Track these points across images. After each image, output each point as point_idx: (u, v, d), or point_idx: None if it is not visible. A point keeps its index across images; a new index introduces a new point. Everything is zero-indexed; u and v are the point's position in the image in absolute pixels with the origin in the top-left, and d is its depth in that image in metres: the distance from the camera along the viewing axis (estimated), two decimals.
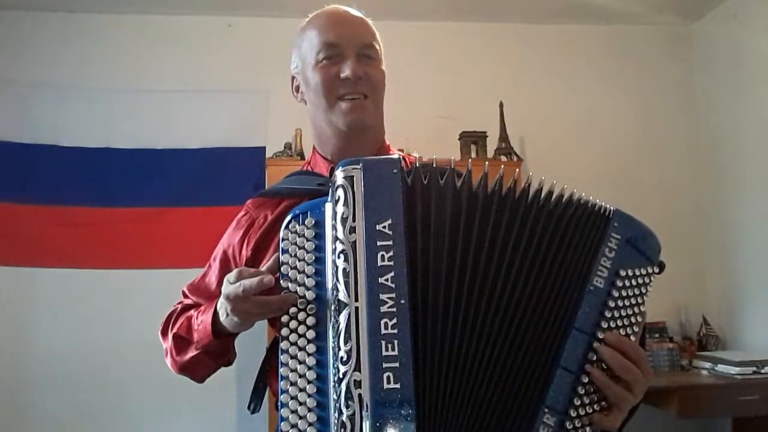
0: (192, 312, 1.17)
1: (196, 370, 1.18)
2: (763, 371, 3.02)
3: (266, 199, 1.21)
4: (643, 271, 0.90)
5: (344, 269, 0.84)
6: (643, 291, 0.90)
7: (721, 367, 3.13)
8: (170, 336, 1.19)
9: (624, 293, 0.89)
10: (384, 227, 0.85)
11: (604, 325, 0.87)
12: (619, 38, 3.95)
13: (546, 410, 0.84)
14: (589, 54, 3.93)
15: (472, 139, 3.51)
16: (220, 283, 1.17)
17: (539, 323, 0.88)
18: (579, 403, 0.85)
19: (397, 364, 0.79)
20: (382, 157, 1.05)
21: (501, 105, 3.57)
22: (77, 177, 3.51)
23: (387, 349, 0.79)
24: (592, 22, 3.90)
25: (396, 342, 0.80)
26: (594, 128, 3.84)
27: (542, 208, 0.91)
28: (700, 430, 3.56)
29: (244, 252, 1.17)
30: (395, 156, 1.06)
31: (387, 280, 0.82)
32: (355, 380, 0.79)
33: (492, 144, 3.55)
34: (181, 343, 1.16)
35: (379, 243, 0.84)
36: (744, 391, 2.98)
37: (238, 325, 0.99)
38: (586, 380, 0.85)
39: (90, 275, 3.43)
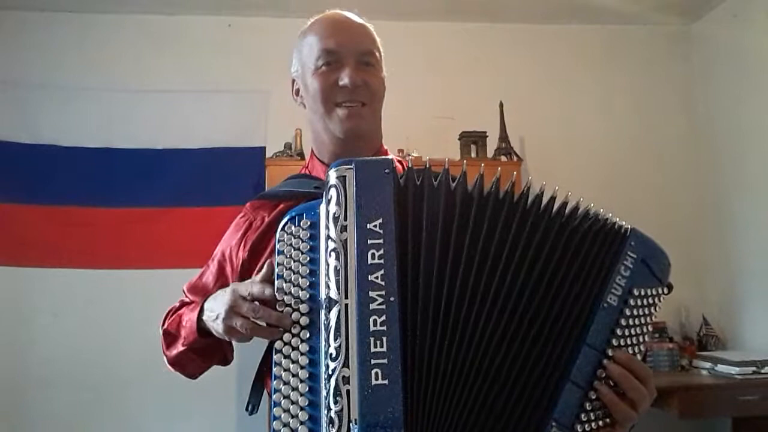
0: (184, 309, 1.19)
1: (185, 366, 1.20)
2: (763, 371, 3.02)
3: (264, 202, 1.22)
4: (654, 291, 0.91)
5: (335, 267, 0.84)
6: (652, 311, 0.91)
7: (721, 367, 3.13)
8: (161, 331, 1.21)
9: (635, 312, 0.89)
10: (375, 226, 0.85)
11: (615, 342, 0.87)
12: (619, 38, 3.95)
13: (554, 423, 0.83)
14: (589, 54, 3.93)
15: (472, 139, 3.52)
16: (216, 283, 1.20)
17: (542, 332, 0.87)
18: (585, 418, 0.85)
19: (385, 361, 0.79)
20: (375, 157, 1.06)
21: (501, 105, 3.58)
22: (77, 177, 3.52)
23: (375, 346, 0.80)
24: (591, 22, 3.90)
25: (385, 339, 0.80)
26: (594, 128, 3.84)
27: (543, 213, 0.90)
28: (700, 430, 3.56)
29: (240, 253, 1.18)
30: (388, 157, 1.07)
31: (377, 277, 0.83)
32: (343, 376, 0.79)
33: (492, 144, 3.56)
34: (169, 338, 1.18)
35: (369, 241, 0.84)
36: (744, 391, 2.98)
37: (224, 334, 0.98)
38: (594, 396, 0.85)
39: (90, 275, 3.45)
